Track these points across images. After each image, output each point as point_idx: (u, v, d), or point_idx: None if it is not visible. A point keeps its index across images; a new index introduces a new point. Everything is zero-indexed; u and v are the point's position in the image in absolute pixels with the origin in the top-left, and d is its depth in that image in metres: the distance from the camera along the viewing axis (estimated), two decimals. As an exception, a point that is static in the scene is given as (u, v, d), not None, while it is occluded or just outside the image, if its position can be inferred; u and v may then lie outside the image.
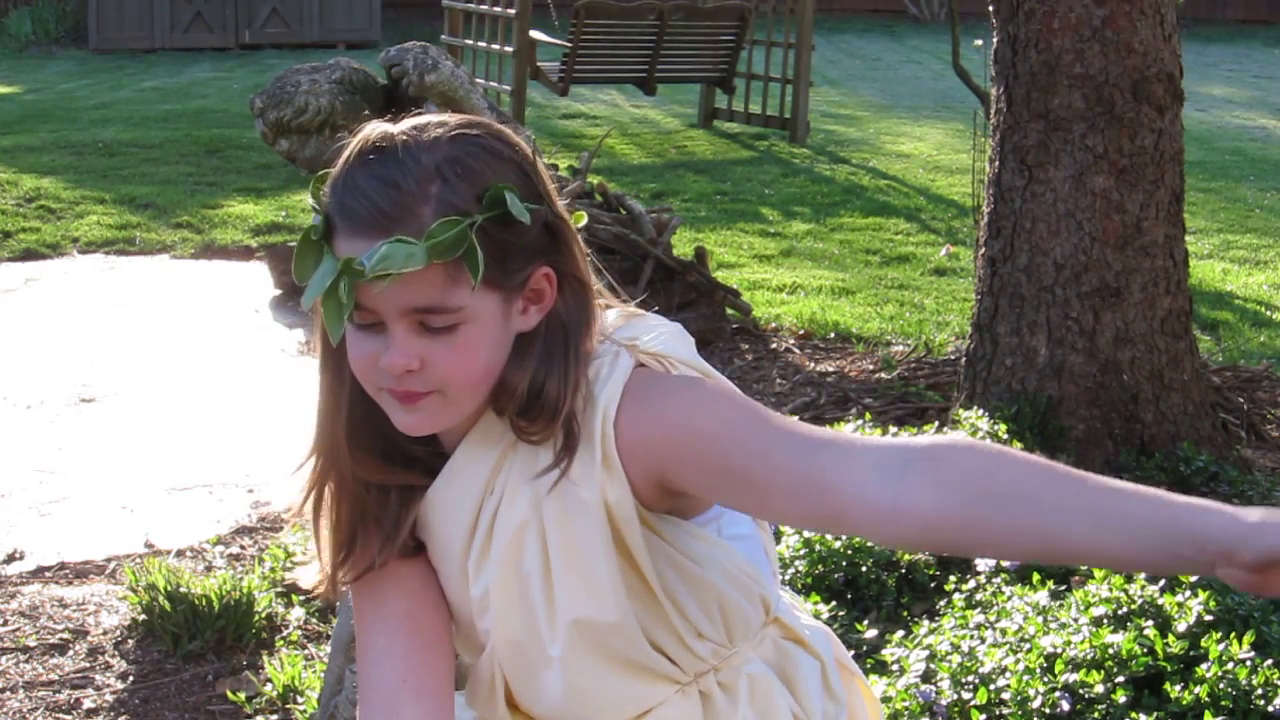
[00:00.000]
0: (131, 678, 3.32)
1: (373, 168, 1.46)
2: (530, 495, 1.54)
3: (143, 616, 3.49)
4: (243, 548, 4.01)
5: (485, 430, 1.57)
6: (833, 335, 5.92)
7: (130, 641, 3.47)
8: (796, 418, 1.73)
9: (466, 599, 1.61)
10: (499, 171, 1.48)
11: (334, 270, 1.44)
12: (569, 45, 10.27)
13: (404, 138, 1.47)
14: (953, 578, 3.31)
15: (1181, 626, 2.88)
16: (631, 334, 1.59)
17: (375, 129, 1.49)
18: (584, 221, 1.58)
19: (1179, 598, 2.96)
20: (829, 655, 1.73)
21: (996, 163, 4.09)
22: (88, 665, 3.37)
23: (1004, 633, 2.93)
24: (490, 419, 1.56)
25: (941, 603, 3.26)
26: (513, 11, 10.23)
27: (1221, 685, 2.71)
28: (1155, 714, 2.69)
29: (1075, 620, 2.91)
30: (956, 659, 2.83)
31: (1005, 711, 2.71)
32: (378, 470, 1.59)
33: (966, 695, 2.74)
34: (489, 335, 1.49)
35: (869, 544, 3.34)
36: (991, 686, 2.74)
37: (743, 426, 1.47)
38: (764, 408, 1.52)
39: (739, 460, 1.46)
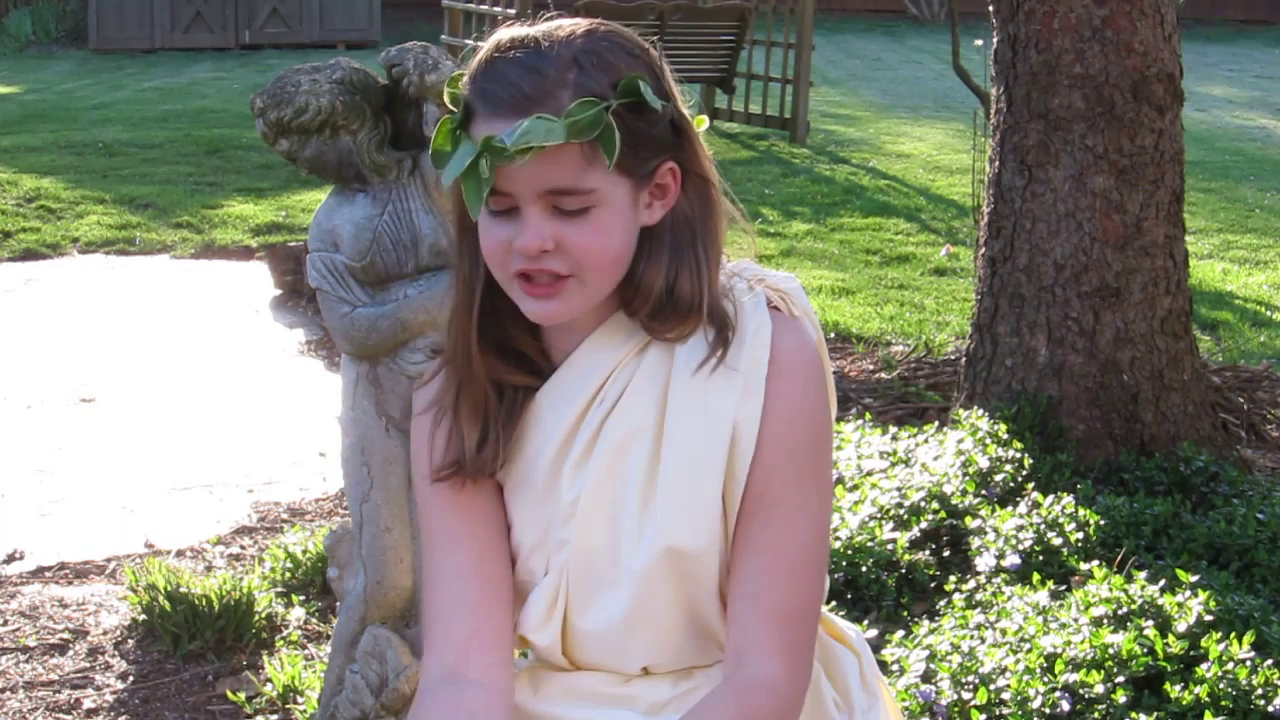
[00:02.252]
0: (131, 678, 3.32)
1: (513, 57, 1.52)
2: (654, 401, 1.59)
3: (143, 616, 3.49)
4: (243, 548, 4.01)
5: (606, 334, 1.62)
6: (833, 335, 5.92)
7: (130, 641, 3.47)
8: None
9: (543, 515, 1.64)
10: (631, 66, 1.55)
11: (473, 150, 1.50)
12: (569, 45, 10.26)
13: (541, 33, 1.54)
14: (953, 578, 3.31)
15: (1181, 626, 2.88)
16: (758, 273, 1.67)
17: (509, 30, 1.56)
18: (706, 125, 1.65)
19: (1179, 598, 2.96)
20: (866, 654, 1.79)
21: (996, 163, 4.09)
22: (88, 665, 3.37)
23: (1004, 633, 2.93)
24: (612, 325, 1.62)
25: (941, 603, 3.26)
26: (513, 11, 10.24)
27: (1221, 685, 2.71)
28: (1155, 714, 2.69)
29: (1075, 620, 2.91)
30: (956, 659, 2.83)
31: (1005, 711, 2.71)
32: (500, 367, 1.63)
33: (966, 695, 2.74)
34: (620, 221, 1.55)
35: (869, 544, 3.34)
36: (991, 686, 2.74)
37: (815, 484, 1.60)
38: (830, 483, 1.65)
39: (781, 490, 1.58)
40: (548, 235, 1.52)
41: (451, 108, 1.56)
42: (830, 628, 1.78)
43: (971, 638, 2.93)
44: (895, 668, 2.91)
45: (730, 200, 1.67)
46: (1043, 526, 3.36)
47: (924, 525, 3.46)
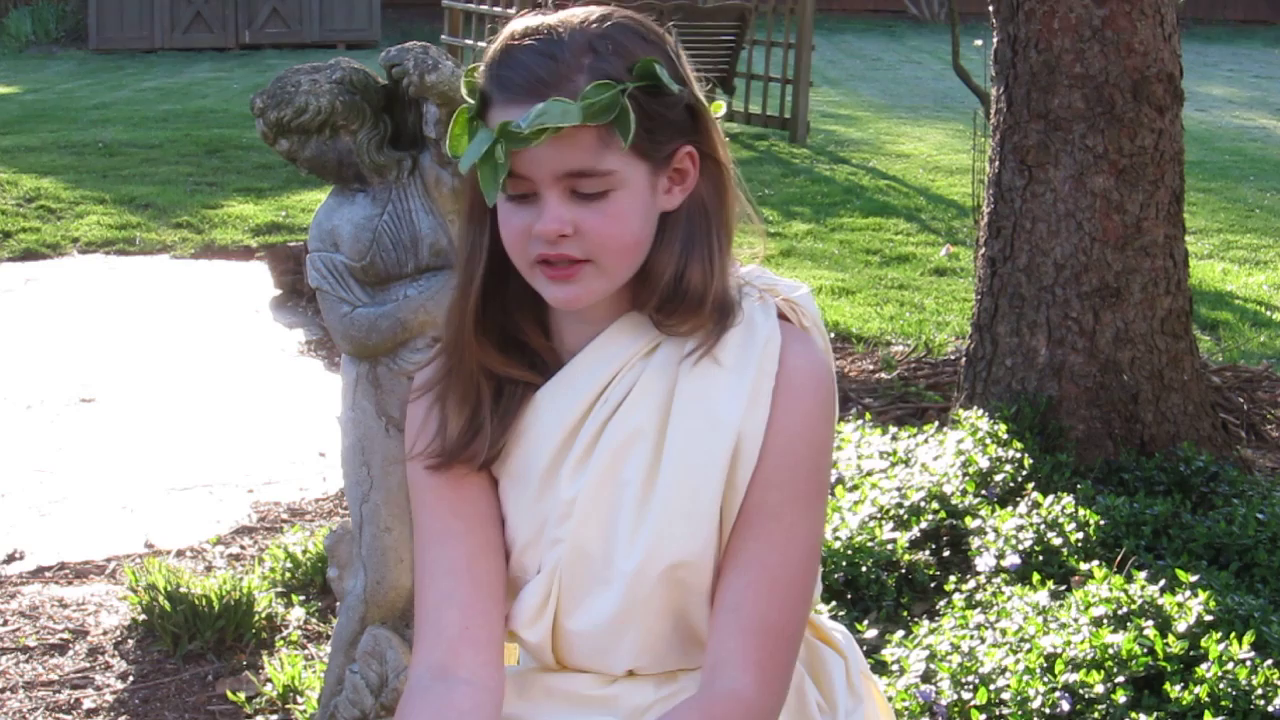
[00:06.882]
0: (131, 678, 3.32)
1: (528, 44, 1.53)
2: (658, 405, 1.59)
3: (143, 616, 3.49)
4: (243, 548, 4.01)
5: (615, 335, 1.61)
6: (833, 335, 5.92)
7: (130, 641, 3.47)
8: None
9: (538, 513, 1.63)
10: (647, 50, 1.56)
11: (490, 137, 1.51)
12: (569, 45, 10.26)
13: (556, 21, 1.55)
14: (953, 578, 3.31)
15: (1181, 626, 2.88)
16: (769, 282, 1.66)
17: (525, 19, 1.57)
18: (723, 110, 1.65)
19: (1179, 598, 2.96)
20: (853, 656, 1.78)
21: (996, 163, 4.09)
22: (88, 665, 3.37)
23: (1004, 633, 2.93)
24: (621, 325, 1.61)
25: (941, 603, 3.26)
26: (512, 11, 10.23)
27: (1221, 685, 2.71)
28: (1155, 714, 2.69)
29: (1075, 620, 2.91)
30: (956, 659, 2.83)
31: (1005, 711, 2.71)
32: (497, 360, 1.62)
33: (966, 695, 2.74)
34: (638, 204, 1.54)
35: (869, 544, 3.34)
36: (991, 686, 2.74)
37: (809, 501, 1.60)
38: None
39: (778, 505, 1.57)
40: (566, 219, 1.52)
41: (468, 98, 1.56)
42: (817, 630, 1.77)
43: (971, 638, 2.93)
44: (895, 668, 2.91)
45: (743, 191, 1.66)
46: (1043, 526, 3.36)
47: (924, 525, 3.46)
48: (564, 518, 1.61)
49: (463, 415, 1.63)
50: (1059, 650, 2.81)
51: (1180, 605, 2.94)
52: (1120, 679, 2.74)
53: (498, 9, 10.43)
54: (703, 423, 1.57)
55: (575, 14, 1.56)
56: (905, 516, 3.48)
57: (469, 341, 1.61)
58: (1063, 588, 3.16)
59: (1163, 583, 3.07)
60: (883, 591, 3.28)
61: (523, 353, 1.64)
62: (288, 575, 3.68)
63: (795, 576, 1.58)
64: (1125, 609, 2.93)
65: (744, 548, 1.57)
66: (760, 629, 1.55)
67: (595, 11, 1.56)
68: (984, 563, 3.28)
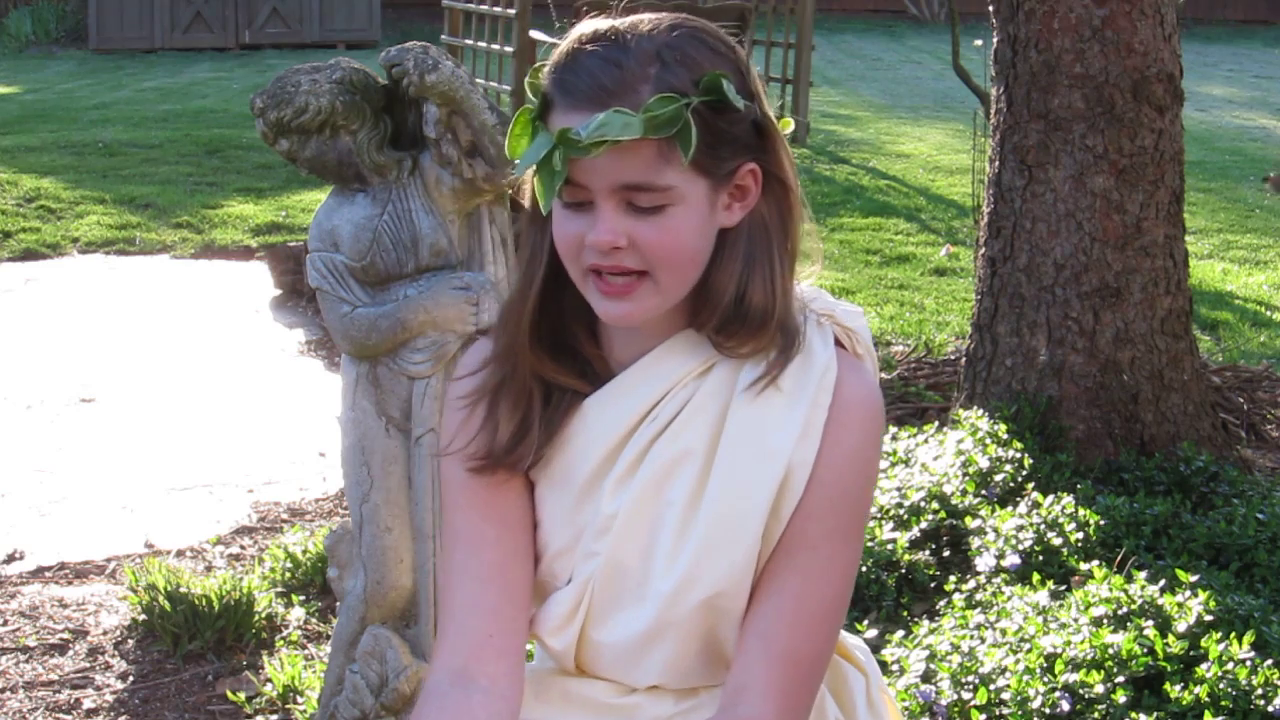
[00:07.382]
0: (131, 678, 3.32)
1: (595, 49, 1.50)
2: (709, 427, 1.57)
3: (143, 616, 3.49)
4: (243, 548, 4.01)
5: (669, 351, 1.59)
6: (833, 335, 5.91)
7: (130, 641, 3.47)
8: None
9: (575, 523, 1.62)
10: (715, 63, 1.52)
11: (549, 142, 1.48)
12: (569, 45, 10.25)
13: (625, 26, 1.51)
14: (953, 578, 3.31)
15: (1181, 626, 2.88)
16: (828, 305, 1.63)
17: (594, 21, 1.54)
18: (791, 128, 1.61)
19: (1179, 598, 2.96)
20: (873, 672, 1.77)
21: (996, 163, 4.09)
22: (88, 665, 3.37)
23: (1004, 633, 2.93)
24: (676, 342, 1.59)
25: (941, 603, 3.26)
26: (513, 11, 10.23)
27: (1221, 685, 2.71)
28: (1155, 714, 2.69)
29: (1075, 620, 2.91)
30: (956, 659, 2.83)
31: (1005, 711, 2.71)
32: (550, 366, 1.60)
33: (966, 695, 2.74)
34: (695, 220, 1.51)
35: (869, 544, 3.34)
36: (991, 686, 2.74)
37: (847, 560, 1.59)
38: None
39: (818, 537, 1.56)
40: (620, 231, 1.49)
41: (532, 98, 1.54)
42: (839, 647, 1.75)
43: (971, 638, 2.93)
44: (895, 668, 2.91)
45: (806, 210, 1.62)
46: (1043, 526, 3.36)
47: (924, 525, 3.46)
48: (603, 532, 1.59)
49: (513, 421, 1.60)
50: (1059, 650, 2.81)
51: (1180, 605, 2.94)
52: (1120, 679, 2.74)
53: (498, 9, 10.42)
54: (753, 451, 1.55)
55: (645, 20, 1.52)
56: (905, 516, 3.48)
57: (523, 348, 1.58)
58: (1063, 588, 3.16)
59: (1163, 583, 3.07)
60: (883, 591, 3.28)
61: (574, 359, 1.61)
62: (288, 575, 3.68)
63: (827, 609, 1.56)
64: (1125, 609, 2.93)
65: (779, 576, 1.56)
66: (787, 658, 1.54)
67: (666, 19, 1.52)
68: (984, 563, 3.28)
